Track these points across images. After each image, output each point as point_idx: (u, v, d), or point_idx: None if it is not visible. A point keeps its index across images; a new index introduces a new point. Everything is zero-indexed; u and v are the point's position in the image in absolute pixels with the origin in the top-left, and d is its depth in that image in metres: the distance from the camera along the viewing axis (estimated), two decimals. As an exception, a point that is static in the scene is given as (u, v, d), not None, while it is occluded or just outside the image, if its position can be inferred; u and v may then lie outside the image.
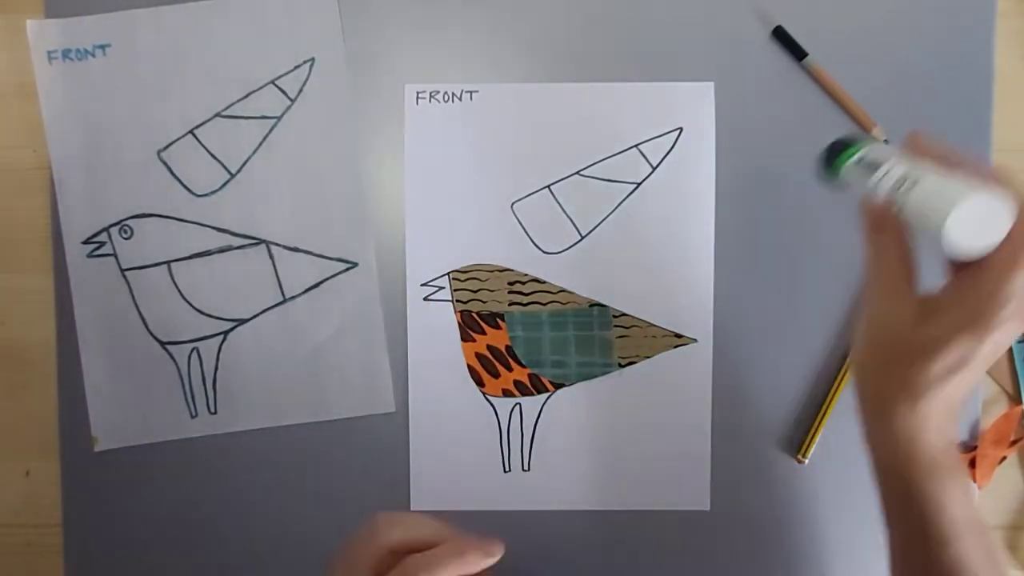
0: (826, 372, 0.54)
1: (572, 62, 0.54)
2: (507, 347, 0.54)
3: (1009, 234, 0.34)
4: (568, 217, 0.54)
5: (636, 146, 0.54)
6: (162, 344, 0.54)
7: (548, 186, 0.54)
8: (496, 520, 0.55)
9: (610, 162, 0.54)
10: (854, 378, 0.41)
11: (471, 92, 0.54)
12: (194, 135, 0.53)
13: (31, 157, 0.54)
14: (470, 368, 0.54)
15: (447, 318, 0.54)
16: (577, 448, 0.54)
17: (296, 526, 0.55)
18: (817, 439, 0.53)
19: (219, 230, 0.53)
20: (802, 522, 0.54)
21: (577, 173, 0.54)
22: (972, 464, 0.54)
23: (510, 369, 0.54)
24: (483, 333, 0.54)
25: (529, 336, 0.54)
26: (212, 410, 0.54)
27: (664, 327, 0.54)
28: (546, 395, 0.54)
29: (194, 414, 0.54)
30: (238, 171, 0.53)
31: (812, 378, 0.54)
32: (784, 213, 0.54)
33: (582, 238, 0.54)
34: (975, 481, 0.54)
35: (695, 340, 0.54)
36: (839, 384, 0.53)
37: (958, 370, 0.35)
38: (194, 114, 0.53)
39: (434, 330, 0.54)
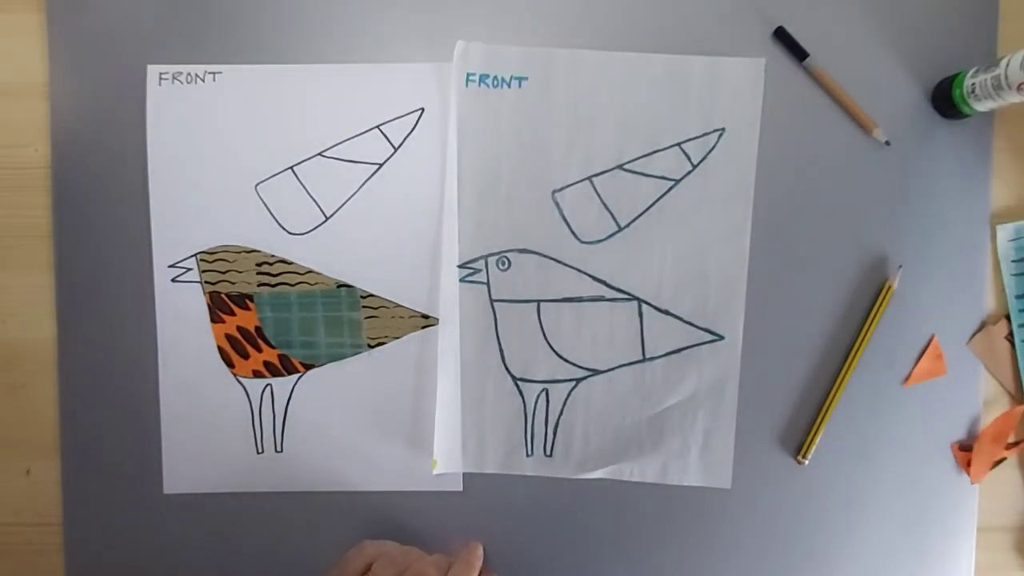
0: (826, 372, 0.54)
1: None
2: (256, 328, 0.54)
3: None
4: (312, 199, 0.54)
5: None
6: (515, 380, 0.54)
7: (291, 167, 0.54)
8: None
9: (351, 143, 0.54)
10: None
11: (214, 73, 0.54)
12: (591, 183, 0.53)
13: (32, 156, 0.54)
14: (220, 349, 0.55)
15: (196, 300, 0.54)
16: (329, 429, 0.55)
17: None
18: (817, 439, 0.54)
19: (595, 279, 0.54)
20: (802, 522, 0.55)
21: (319, 155, 0.54)
22: (971, 463, 0.54)
23: (260, 350, 0.54)
24: (232, 314, 0.54)
25: (278, 317, 0.54)
26: (548, 453, 0.54)
27: (411, 308, 0.54)
28: (297, 376, 0.55)
29: (530, 453, 0.55)
30: (627, 224, 0.53)
31: (812, 378, 0.54)
32: (782, 214, 0.54)
33: (326, 219, 0.54)
34: (970, 476, 0.54)
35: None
36: (839, 384, 0.54)
37: None
38: (595, 162, 0.53)
39: (184, 312, 0.54)
